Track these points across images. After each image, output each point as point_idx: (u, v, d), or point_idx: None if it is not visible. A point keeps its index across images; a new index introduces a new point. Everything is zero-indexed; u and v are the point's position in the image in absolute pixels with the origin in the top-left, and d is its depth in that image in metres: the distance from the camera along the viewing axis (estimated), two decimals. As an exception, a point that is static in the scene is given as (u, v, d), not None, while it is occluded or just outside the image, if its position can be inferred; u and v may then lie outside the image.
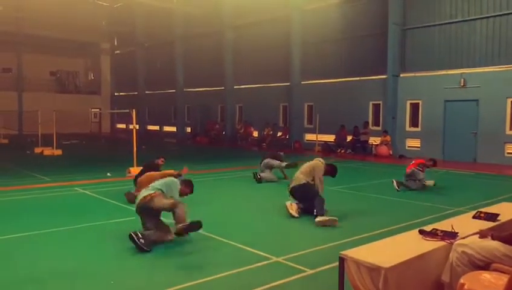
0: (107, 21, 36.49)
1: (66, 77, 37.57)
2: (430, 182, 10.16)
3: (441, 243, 3.75)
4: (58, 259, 5.10)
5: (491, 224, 4.32)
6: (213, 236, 6.05)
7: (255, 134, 24.38)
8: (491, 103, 15.49)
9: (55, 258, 5.11)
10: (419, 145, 17.61)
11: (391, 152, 17.97)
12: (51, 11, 29.79)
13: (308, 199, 7.28)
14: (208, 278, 4.46)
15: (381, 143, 18.22)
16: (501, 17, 15.46)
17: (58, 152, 17.82)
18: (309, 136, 21.90)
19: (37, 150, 18.28)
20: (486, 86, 15.57)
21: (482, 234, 3.66)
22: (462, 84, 16.18)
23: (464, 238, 3.77)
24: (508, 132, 15.32)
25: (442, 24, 16.96)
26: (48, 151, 17.88)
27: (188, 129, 29.59)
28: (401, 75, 18.17)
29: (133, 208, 7.72)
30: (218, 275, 4.55)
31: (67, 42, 34.03)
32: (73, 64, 38.00)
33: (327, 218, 6.77)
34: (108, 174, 11.79)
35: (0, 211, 7.68)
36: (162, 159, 9.21)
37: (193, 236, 6.07)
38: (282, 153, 11.85)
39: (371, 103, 19.41)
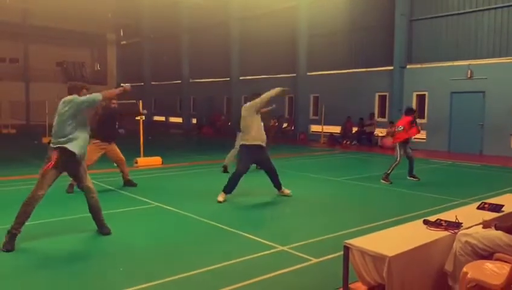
0: (114, 12, 36.43)
1: (73, 67, 37.62)
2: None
3: (445, 233, 3.79)
4: (70, 246, 5.19)
5: (495, 215, 4.34)
6: (218, 225, 6.13)
7: (261, 125, 24.37)
8: (498, 95, 15.40)
9: (66, 246, 5.21)
10: (425, 137, 17.56)
11: (397, 144, 17.91)
12: (57, 2, 29.75)
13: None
14: (214, 266, 4.54)
15: (387, 135, 18.18)
16: (509, 8, 15.29)
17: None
18: (314, 128, 21.89)
19: (45, 139, 18.42)
20: (493, 78, 15.47)
21: (486, 225, 3.69)
22: (468, 76, 16.09)
23: (467, 228, 3.81)
24: (514, 124, 15.26)
25: (449, 15, 16.82)
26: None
27: (194, 120, 29.65)
28: (408, 67, 18.08)
29: (143, 198, 7.87)
30: (224, 263, 4.63)
31: (74, 33, 34.06)
32: (80, 55, 38.04)
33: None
34: (115, 164, 11.86)
35: (13, 200, 7.79)
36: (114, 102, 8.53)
37: (197, 226, 6.16)
38: None
39: (377, 94, 19.36)
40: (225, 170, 10.85)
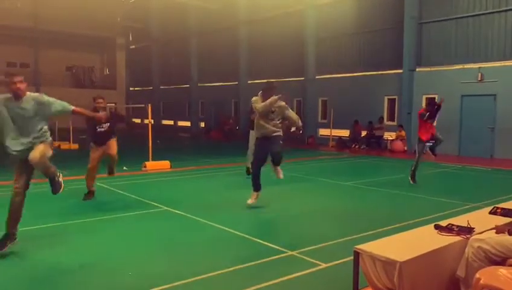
0: (123, 16, 36.73)
1: (82, 72, 37.98)
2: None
3: (457, 238, 3.74)
4: (82, 250, 5.21)
5: (507, 220, 4.27)
6: (228, 229, 6.11)
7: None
8: (509, 98, 15.23)
9: (78, 249, 5.22)
10: (434, 141, 17.39)
11: (406, 147, 17.83)
12: (67, 7, 30.12)
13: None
14: (223, 271, 4.51)
15: (396, 138, 18.09)
16: (520, 10, 15.19)
17: (75, 146, 18.09)
18: (323, 131, 21.83)
19: (54, 144, 18.52)
20: (504, 81, 15.31)
21: (499, 230, 3.63)
22: (479, 79, 15.95)
23: (480, 233, 3.75)
24: (526, 127, 15.09)
25: (459, 18, 16.71)
26: (65, 146, 18.16)
27: (202, 124, 29.72)
28: (417, 70, 17.97)
29: (151, 202, 7.88)
30: (234, 268, 4.61)
31: (83, 38, 34.39)
32: (89, 60, 38.38)
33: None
34: (125, 168, 11.92)
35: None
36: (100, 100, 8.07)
37: (206, 230, 6.15)
38: None
39: (386, 97, 19.26)
40: (248, 172, 10.70)
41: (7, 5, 27.97)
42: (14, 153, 4.93)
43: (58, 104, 5.21)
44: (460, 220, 4.13)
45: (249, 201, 7.39)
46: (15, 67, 34.88)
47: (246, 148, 10.92)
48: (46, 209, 7.21)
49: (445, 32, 17.17)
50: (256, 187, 7.41)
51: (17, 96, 4.92)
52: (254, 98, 7.38)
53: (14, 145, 4.91)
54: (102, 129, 7.92)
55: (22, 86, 4.94)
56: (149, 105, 13.44)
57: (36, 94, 5.19)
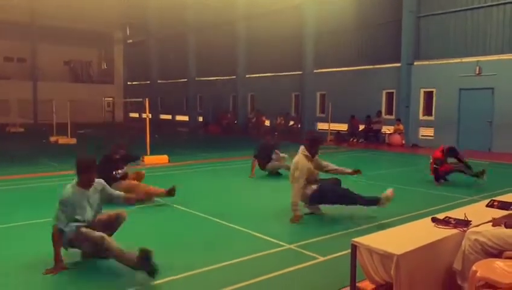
0: (120, 11, 36.53)
1: (80, 66, 37.89)
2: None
3: (454, 231, 3.75)
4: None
5: (504, 212, 4.29)
6: (225, 223, 6.13)
7: (267, 123, 24.39)
8: (507, 92, 15.24)
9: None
10: (432, 135, 17.45)
11: (404, 141, 17.85)
12: (64, 2, 29.94)
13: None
14: (222, 264, 4.54)
15: (394, 132, 18.10)
16: (518, 3, 15.16)
17: (73, 141, 18.06)
18: (321, 125, 21.83)
19: (52, 138, 18.52)
20: (502, 74, 15.31)
21: (495, 222, 3.65)
22: (477, 72, 15.94)
23: (477, 226, 3.76)
24: (524, 120, 15.11)
25: (457, 11, 16.68)
26: (62, 140, 18.13)
27: (200, 118, 29.69)
28: (415, 63, 17.95)
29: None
30: (231, 261, 4.63)
31: (81, 32, 34.25)
32: (87, 54, 38.26)
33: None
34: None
35: (24, 197, 7.86)
36: (122, 151, 7.92)
37: (205, 224, 6.16)
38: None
39: (384, 91, 19.26)
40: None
41: (4, 0, 27.79)
42: None
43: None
44: (457, 213, 4.14)
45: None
46: (12, 62, 34.77)
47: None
48: (49, 204, 7.20)
49: (444, 25, 17.14)
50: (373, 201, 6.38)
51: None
52: (297, 159, 6.20)
53: None
54: (119, 176, 7.66)
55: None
56: (147, 99, 13.43)
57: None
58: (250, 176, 10.00)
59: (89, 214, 4.56)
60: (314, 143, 6.30)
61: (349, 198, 6.27)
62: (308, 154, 6.25)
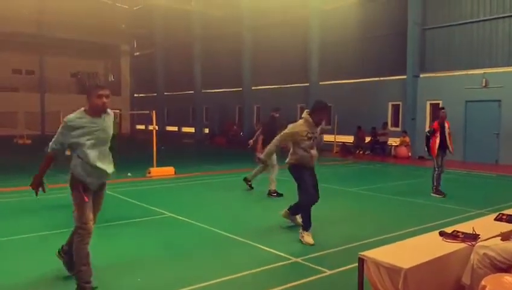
0: (127, 23, 37.01)
1: (87, 78, 38.21)
2: None
3: (462, 245, 3.72)
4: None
5: (513, 226, 4.26)
6: (231, 236, 6.11)
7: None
8: (513, 104, 15.19)
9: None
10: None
11: (410, 153, 17.79)
12: (72, 14, 30.37)
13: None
14: (228, 277, 4.51)
15: (401, 144, 18.05)
16: (524, 16, 15.17)
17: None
18: (327, 137, 21.78)
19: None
20: (509, 86, 15.27)
21: (504, 236, 3.62)
22: (483, 85, 15.92)
23: (485, 240, 3.73)
24: (531, 133, 15.02)
25: (463, 23, 16.71)
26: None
27: (206, 130, 29.78)
28: (421, 76, 17.96)
29: (156, 208, 7.87)
30: (238, 275, 4.60)
31: (88, 44, 34.63)
32: (94, 66, 38.64)
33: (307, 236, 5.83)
34: (129, 174, 11.96)
35: (32, 208, 7.89)
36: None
37: (211, 237, 6.15)
38: None
39: (390, 103, 19.24)
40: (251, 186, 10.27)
41: (13, 13, 28.22)
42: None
43: None
44: (465, 227, 4.11)
45: (310, 240, 5.82)
46: (20, 74, 35.15)
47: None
48: (53, 216, 7.23)
49: (449, 37, 17.17)
50: (309, 225, 5.97)
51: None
52: (298, 123, 5.99)
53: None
54: None
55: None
56: (153, 111, 13.50)
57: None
58: (258, 155, 8.58)
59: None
60: (319, 111, 5.93)
61: (302, 194, 6.04)
62: (310, 119, 5.88)
